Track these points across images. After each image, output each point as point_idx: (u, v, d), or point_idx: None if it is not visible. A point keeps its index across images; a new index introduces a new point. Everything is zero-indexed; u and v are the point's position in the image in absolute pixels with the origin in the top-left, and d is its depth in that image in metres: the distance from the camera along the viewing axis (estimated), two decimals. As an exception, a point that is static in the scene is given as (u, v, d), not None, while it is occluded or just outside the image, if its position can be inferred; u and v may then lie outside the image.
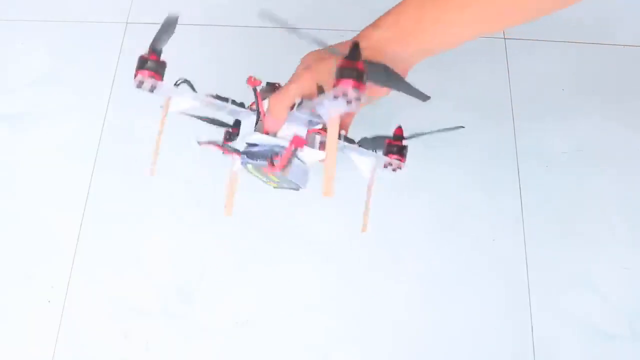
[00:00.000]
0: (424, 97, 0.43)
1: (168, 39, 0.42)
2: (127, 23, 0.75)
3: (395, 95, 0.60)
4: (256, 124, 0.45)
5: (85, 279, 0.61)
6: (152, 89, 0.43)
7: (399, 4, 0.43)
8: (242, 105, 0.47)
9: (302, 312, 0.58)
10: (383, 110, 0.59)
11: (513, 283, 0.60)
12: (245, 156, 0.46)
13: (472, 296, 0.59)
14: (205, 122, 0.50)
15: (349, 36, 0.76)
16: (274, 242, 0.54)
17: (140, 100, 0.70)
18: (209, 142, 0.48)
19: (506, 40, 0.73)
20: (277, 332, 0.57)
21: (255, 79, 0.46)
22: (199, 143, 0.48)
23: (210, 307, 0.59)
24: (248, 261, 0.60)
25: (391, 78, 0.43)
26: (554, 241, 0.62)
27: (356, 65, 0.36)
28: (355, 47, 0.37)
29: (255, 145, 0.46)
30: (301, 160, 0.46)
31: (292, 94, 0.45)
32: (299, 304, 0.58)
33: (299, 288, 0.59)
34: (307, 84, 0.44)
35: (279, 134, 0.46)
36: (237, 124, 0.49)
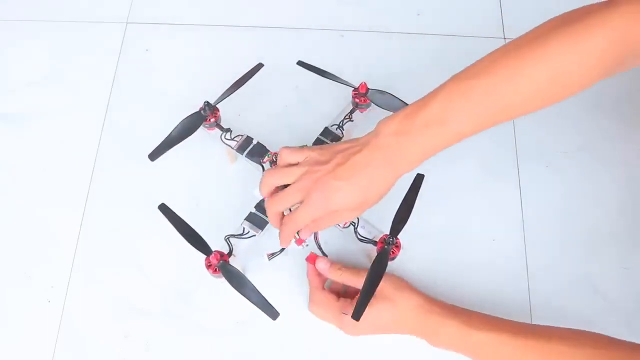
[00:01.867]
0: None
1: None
2: (127, 23, 0.75)
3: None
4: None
5: (85, 279, 0.61)
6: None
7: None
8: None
9: (303, 311, 0.58)
10: (378, 114, 0.59)
11: (513, 283, 0.60)
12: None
13: (472, 296, 0.59)
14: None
15: (349, 36, 0.76)
16: (274, 240, 0.54)
17: (141, 101, 0.70)
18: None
19: (506, 40, 0.73)
20: (278, 332, 0.57)
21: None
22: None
23: (211, 307, 0.59)
24: (248, 260, 0.60)
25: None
26: (554, 241, 0.62)
27: None
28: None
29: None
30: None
31: (302, 223, 0.49)
32: (300, 303, 0.58)
33: (300, 287, 0.59)
34: (320, 212, 0.48)
35: None
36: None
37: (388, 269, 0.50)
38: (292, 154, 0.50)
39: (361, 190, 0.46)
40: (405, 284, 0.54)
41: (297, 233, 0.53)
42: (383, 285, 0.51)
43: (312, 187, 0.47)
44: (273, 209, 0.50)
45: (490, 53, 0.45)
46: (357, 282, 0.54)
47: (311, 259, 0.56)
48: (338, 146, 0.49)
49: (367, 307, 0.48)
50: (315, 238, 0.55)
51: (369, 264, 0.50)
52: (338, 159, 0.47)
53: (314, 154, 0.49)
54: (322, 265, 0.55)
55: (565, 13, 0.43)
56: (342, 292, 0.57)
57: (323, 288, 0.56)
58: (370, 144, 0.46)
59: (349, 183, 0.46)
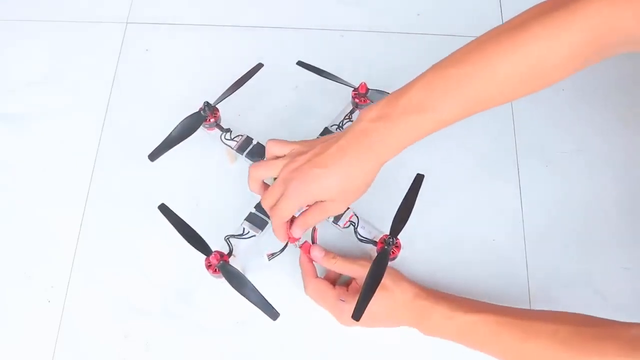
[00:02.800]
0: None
1: None
2: (127, 23, 0.75)
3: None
4: None
5: (85, 279, 0.61)
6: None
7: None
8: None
9: (303, 311, 0.58)
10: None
11: (513, 283, 0.60)
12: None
13: (472, 296, 0.59)
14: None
15: (349, 36, 0.76)
16: (274, 241, 0.54)
17: (141, 101, 0.70)
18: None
19: (506, 40, 0.73)
20: (278, 332, 0.57)
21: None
22: None
23: (211, 307, 0.59)
24: (248, 260, 0.60)
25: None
26: (554, 241, 0.62)
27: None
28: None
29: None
30: None
31: (285, 214, 0.49)
32: (300, 303, 0.58)
33: (300, 287, 0.59)
34: (302, 202, 0.48)
35: None
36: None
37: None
38: (278, 146, 0.50)
39: (341, 177, 0.46)
40: (401, 276, 0.54)
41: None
42: None
43: (291, 177, 0.47)
44: (265, 206, 0.50)
45: (471, 41, 0.44)
46: (352, 270, 0.54)
47: (305, 247, 0.55)
48: (323, 137, 0.49)
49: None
50: (313, 238, 0.55)
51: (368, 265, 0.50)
52: (318, 148, 0.47)
53: (299, 146, 0.49)
54: (316, 253, 0.55)
55: (548, 0, 0.43)
56: (339, 282, 0.58)
57: (316, 276, 0.55)
58: (350, 130, 0.46)
59: (327, 170, 0.45)
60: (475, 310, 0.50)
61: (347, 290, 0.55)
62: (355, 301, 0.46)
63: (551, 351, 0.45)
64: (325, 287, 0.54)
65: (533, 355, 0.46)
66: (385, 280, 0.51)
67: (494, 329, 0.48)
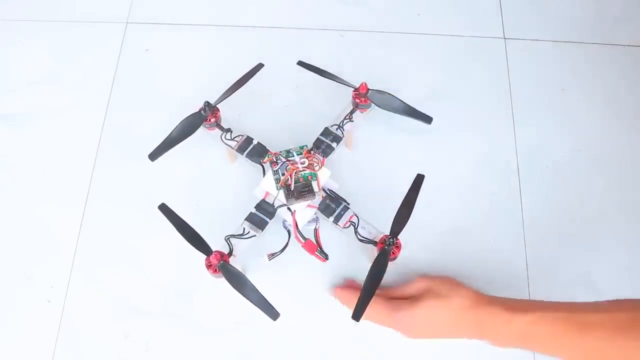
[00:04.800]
0: (428, 120, 0.58)
1: None
2: (127, 23, 0.75)
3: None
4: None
5: (85, 279, 0.61)
6: None
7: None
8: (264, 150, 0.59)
9: (303, 312, 0.58)
10: (378, 114, 0.59)
11: (513, 283, 0.60)
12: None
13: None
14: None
15: (349, 36, 0.76)
16: (274, 240, 0.54)
17: (141, 101, 0.70)
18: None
19: (506, 40, 0.73)
20: (278, 332, 0.57)
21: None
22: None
23: (211, 307, 0.59)
24: (248, 260, 0.60)
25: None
26: (554, 241, 0.62)
27: None
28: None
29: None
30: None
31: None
32: (300, 303, 0.58)
33: (300, 287, 0.59)
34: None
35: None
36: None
37: (389, 268, 0.50)
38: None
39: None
40: (457, 282, 0.53)
41: (320, 252, 0.54)
42: (438, 286, 0.52)
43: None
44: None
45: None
46: (408, 293, 0.54)
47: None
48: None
49: (422, 307, 0.49)
50: (316, 239, 0.55)
51: (369, 265, 0.50)
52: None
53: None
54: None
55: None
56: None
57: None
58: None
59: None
60: (530, 309, 0.48)
61: (398, 301, 0.54)
62: (403, 308, 0.48)
63: (610, 340, 0.44)
64: (378, 304, 0.53)
65: (592, 347, 0.45)
66: (441, 289, 0.51)
67: (552, 327, 0.46)
